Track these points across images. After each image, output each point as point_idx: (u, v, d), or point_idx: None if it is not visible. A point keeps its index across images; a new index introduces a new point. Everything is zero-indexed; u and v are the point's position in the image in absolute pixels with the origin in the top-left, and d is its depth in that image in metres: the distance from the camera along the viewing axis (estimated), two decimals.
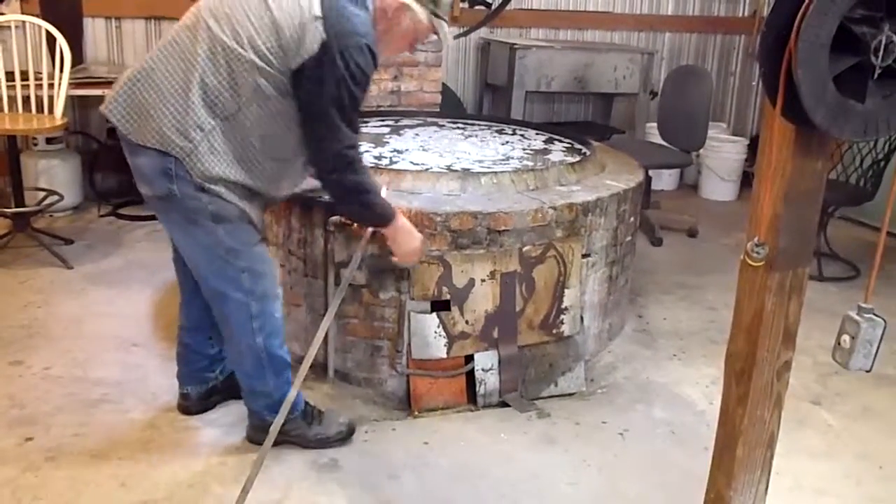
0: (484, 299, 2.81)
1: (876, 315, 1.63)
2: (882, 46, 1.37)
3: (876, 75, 1.40)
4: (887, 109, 1.44)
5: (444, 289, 2.76)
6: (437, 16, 2.26)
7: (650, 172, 4.89)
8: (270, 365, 2.39)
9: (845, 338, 1.63)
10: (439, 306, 2.78)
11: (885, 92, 1.43)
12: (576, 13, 5.80)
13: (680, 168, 5.51)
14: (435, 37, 2.34)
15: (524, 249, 2.82)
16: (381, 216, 2.41)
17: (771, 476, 2.43)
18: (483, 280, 2.79)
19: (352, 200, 2.34)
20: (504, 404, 2.86)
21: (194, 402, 2.66)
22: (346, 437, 2.57)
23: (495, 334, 2.86)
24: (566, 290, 2.96)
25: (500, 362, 2.85)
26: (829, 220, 4.38)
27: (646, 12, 5.98)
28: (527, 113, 5.33)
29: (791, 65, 1.38)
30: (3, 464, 2.37)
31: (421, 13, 2.23)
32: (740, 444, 1.74)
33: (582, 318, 3.03)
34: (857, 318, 1.62)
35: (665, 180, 5.78)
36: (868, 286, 1.67)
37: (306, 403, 2.56)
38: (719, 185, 5.59)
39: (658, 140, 4.99)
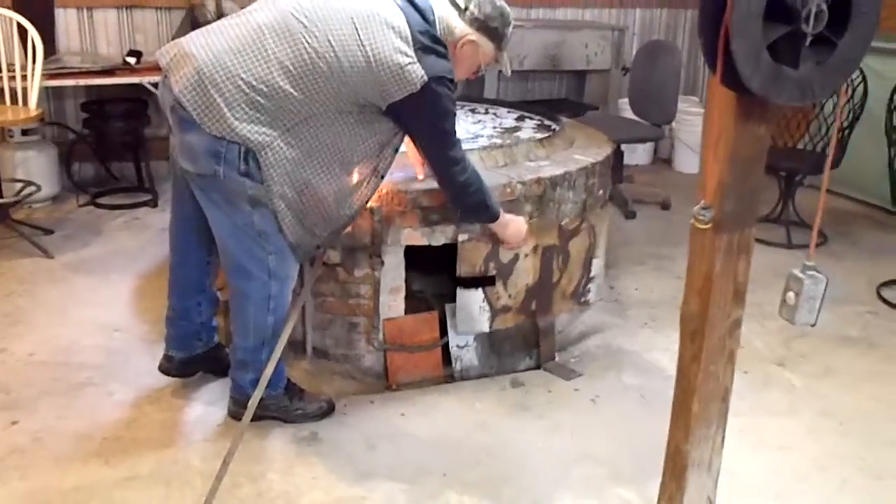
0: (526, 273, 2.92)
1: (818, 272, 1.71)
2: (812, 15, 1.44)
3: (808, 43, 1.47)
4: (821, 75, 1.51)
5: (491, 264, 2.85)
6: (500, 49, 2.48)
7: (623, 147, 4.98)
8: (271, 344, 2.45)
9: (790, 294, 1.72)
10: (483, 282, 2.88)
11: (818, 58, 1.50)
12: None
13: (651, 141, 5.59)
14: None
15: (563, 223, 2.95)
16: (492, 211, 2.62)
17: (732, 432, 2.54)
18: (526, 255, 2.89)
19: (469, 196, 2.52)
20: (483, 376, 2.95)
21: (175, 366, 2.74)
22: (326, 412, 2.64)
23: (533, 306, 2.97)
24: (594, 260, 3.08)
25: (537, 330, 2.99)
26: (797, 188, 4.47)
27: None
28: (501, 92, 5.39)
29: (727, 34, 1.45)
30: None
31: (486, 47, 2.44)
32: (695, 399, 1.82)
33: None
34: (800, 275, 1.71)
35: (639, 154, 5.86)
36: (811, 244, 1.75)
37: (288, 380, 2.63)
38: (692, 158, 5.68)
39: (630, 115, 5.06)
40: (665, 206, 4.88)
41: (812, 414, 2.76)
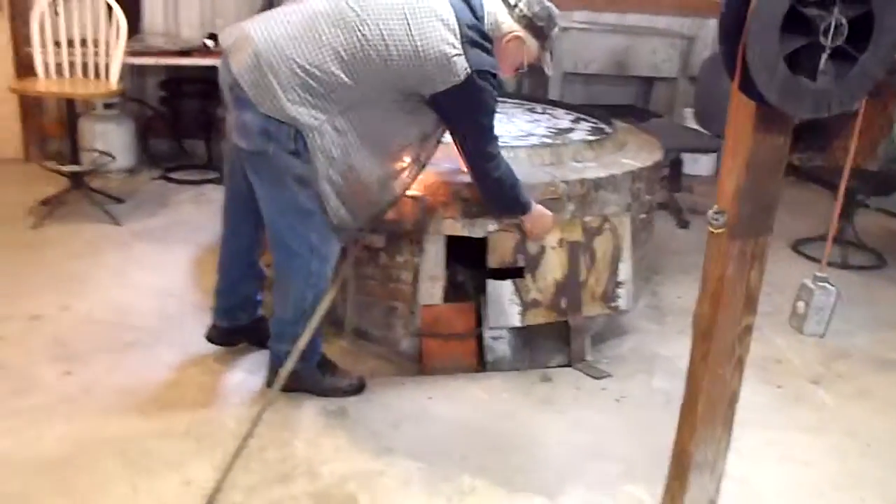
0: (553, 267, 2.97)
1: (830, 284, 1.72)
2: (831, 28, 1.47)
3: (826, 55, 1.49)
4: (839, 88, 1.53)
5: (520, 256, 2.92)
6: (544, 48, 2.56)
7: (683, 156, 4.96)
8: (308, 318, 2.53)
9: (800, 304, 1.73)
10: (512, 273, 2.94)
11: (837, 71, 1.52)
12: None
13: (710, 152, 5.52)
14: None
15: (586, 220, 3.00)
16: (524, 205, 2.71)
17: (758, 444, 2.56)
18: (553, 247, 2.95)
19: (503, 192, 2.62)
20: (514, 369, 3.01)
21: (220, 334, 2.89)
22: (356, 390, 2.75)
23: (563, 304, 3.02)
24: (621, 265, 3.11)
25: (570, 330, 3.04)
26: (858, 209, 4.39)
27: None
28: (566, 94, 5.42)
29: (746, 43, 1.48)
30: (45, 392, 2.62)
31: (532, 45, 2.52)
32: (702, 400, 1.85)
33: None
34: (811, 285, 1.72)
35: (702, 165, 5.81)
36: (825, 253, 1.76)
37: (323, 355, 2.74)
38: None
39: (694, 125, 5.03)
40: (684, 224, 4.83)
41: (839, 433, 2.74)
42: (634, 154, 3.37)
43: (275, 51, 2.30)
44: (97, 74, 4.22)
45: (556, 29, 2.55)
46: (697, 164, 5.74)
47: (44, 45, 4.12)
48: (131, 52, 4.44)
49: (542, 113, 3.98)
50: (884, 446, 2.68)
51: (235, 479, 2.25)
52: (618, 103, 5.94)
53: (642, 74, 5.53)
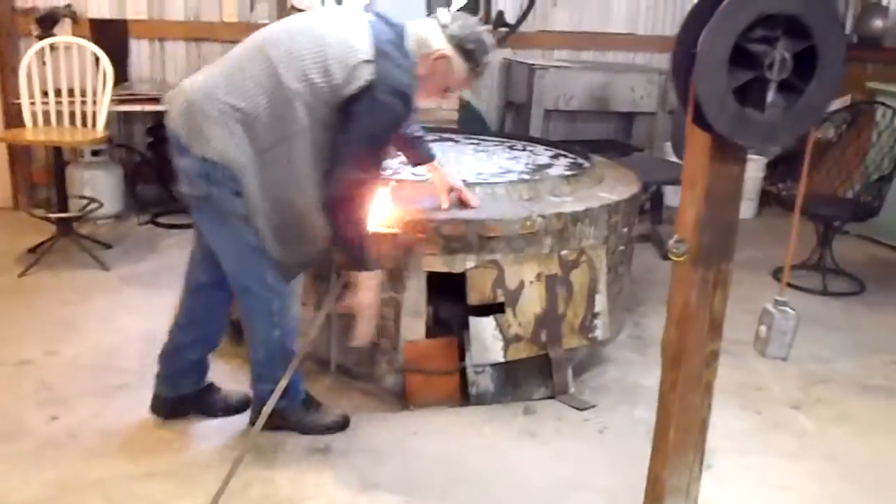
0: (532, 301, 3.01)
1: (790, 308, 1.77)
2: (776, 62, 1.54)
3: (772, 89, 1.56)
4: (786, 119, 1.60)
5: (499, 291, 2.96)
6: (474, 73, 2.48)
7: (664, 189, 5.04)
8: (282, 358, 2.57)
9: (762, 328, 1.79)
10: (493, 309, 2.97)
11: (785, 104, 1.59)
12: (599, 35, 5.97)
13: None
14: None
15: (562, 253, 3.05)
16: (364, 257, 2.52)
17: (737, 469, 2.59)
18: (531, 282, 3.00)
19: (346, 230, 2.45)
20: (497, 402, 3.04)
21: (163, 404, 2.79)
22: (339, 427, 2.76)
23: (543, 337, 3.06)
24: (597, 296, 3.16)
25: (498, 368, 3.03)
26: (835, 235, 4.46)
27: (668, 34, 6.11)
28: (549, 131, 5.52)
29: None
30: (30, 437, 2.64)
31: (460, 67, 2.44)
32: (673, 428, 1.89)
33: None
34: (772, 310, 1.77)
35: None
36: (783, 277, 1.81)
37: (306, 393, 2.77)
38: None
39: (674, 157, 5.12)
40: None
41: (819, 458, 2.77)
42: (611, 188, 3.43)
43: (202, 94, 2.36)
44: (84, 122, 4.30)
45: (489, 56, 2.49)
46: (679, 196, 5.81)
47: (31, 95, 4.20)
48: (118, 100, 4.52)
49: (523, 150, 4.05)
50: (864, 470, 2.71)
51: None
52: (599, 138, 6.04)
53: (622, 110, 5.63)
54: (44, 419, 2.75)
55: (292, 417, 2.71)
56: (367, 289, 2.56)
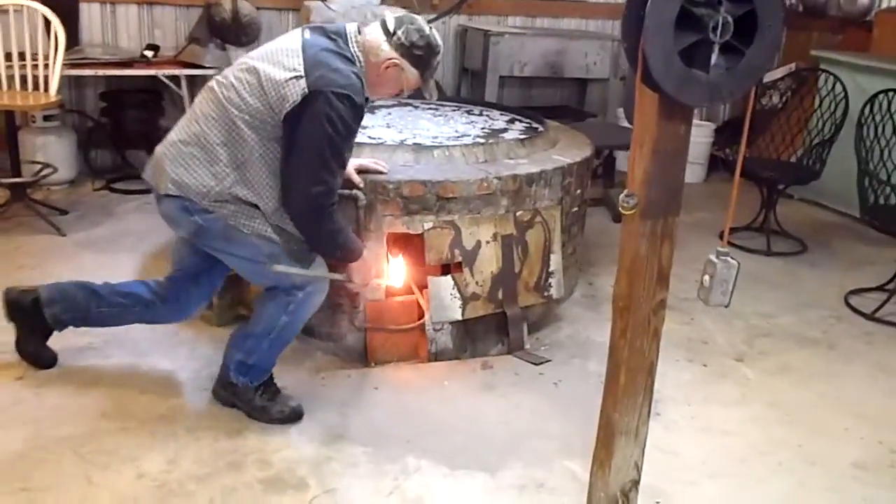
0: (489, 261, 3.11)
1: (731, 258, 1.89)
2: (719, 26, 1.63)
3: (716, 50, 1.66)
4: (729, 79, 1.70)
5: (456, 251, 3.05)
6: (424, 77, 2.54)
7: (616, 153, 5.16)
8: (275, 342, 2.61)
9: (706, 278, 1.90)
10: (451, 269, 3.08)
11: (728, 64, 1.69)
12: (552, 2, 6.04)
13: None
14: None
15: (518, 214, 3.13)
16: (348, 253, 2.62)
17: (683, 418, 2.73)
18: (488, 241, 3.09)
19: (320, 240, 2.53)
20: (456, 359, 3.14)
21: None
22: (286, 419, 2.64)
23: (500, 295, 3.15)
24: (552, 255, 3.26)
25: (462, 324, 3.13)
26: (779, 198, 4.63)
27: (620, 1, 6.21)
28: (503, 97, 5.59)
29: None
30: None
31: (411, 73, 2.50)
32: (623, 371, 2.00)
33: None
34: (715, 260, 1.88)
35: None
36: (725, 230, 1.92)
37: (269, 380, 2.70)
38: (688, 169, 5.83)
39: (625, 123, 5.24)
40: None
41: (761, 405, 2.93)
42: (565, 151, 3.54)
43: (165, 143, 2.54)
44: (36, 86, 4.24)
45: (438, 58, 2.53)
46: None
47: None
48: (70, 64, 4.46)
49: (479, 115, 4.13)
50: (802, 415, 2.88)
51: (189, 468, 2.34)
52: (554, 104, 6.14)
53: (575, 76, 5.72)
54: (9, 379, 2.78)
55: (242, 396, 2.66)
56: (359, 270, 2.70)
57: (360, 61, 2.47)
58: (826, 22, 5.93)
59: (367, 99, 2.53)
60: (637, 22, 1.66)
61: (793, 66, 5.60)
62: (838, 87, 4.49)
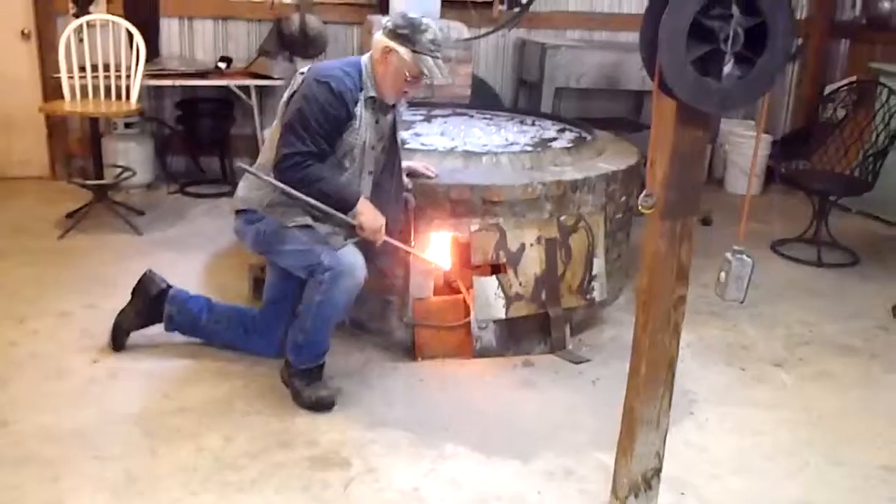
0: (532, 263, 3.25)
1: (746, 256, 1.99)
2: (730, 37, 1.75)
3: (729, 60, 1.78)
4: (741, 88, 1.81)
5: (501, 253, 3.21)
6: (415, 52, 2.71)
7: None
8: (316, 318, 2.78)
9: (721, 274, 2.01)
10: (496, 269, 3.24)
11: (739, 74, 1.81)
12: (610, 15, 6.15)
13: None
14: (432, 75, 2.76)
15: (562, 218, 3.28)
16: (338, 202, 2.75)
17: (715, 417, 2.82)
18: (532, 244, 3.24)
19: (306, 188, 2.72)
20: (499, 356, 3.28)
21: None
22: (313, 406, 2.80)
23: (543, 296, 3.30)
24: (594, 260, 3.39)
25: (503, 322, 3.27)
26: (831, 209, 4.64)
27: None
28: (560, 108, 5.71)
29: None
30: (74, 376, 2.93)
31: (405, 54, 2.72)
32: (644, 363, 2.12)
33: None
34: (730, 258, 1.99)
35: None
36: (741, 228, 2.02)
37: (318, 367, 2.88)
38: (743, 180, 5.86)
39: None
40: (706, 221, 5.09)
41: (794, 409, 2.99)
42: (611, 159, 3.65)
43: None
44: (119, 96, 4.56)
45: (425, 34, 2.72)
46: None
47: (70, 70, 4.47)
48: (150, 75, 4.78)
49: (532, 125, 4.27)
50: (835, 420, 2.93)
51: (242, 445, 2.55)
52: (610, 116, 6.22)
53: (632, 88, 5.81)
54: (86, 362, 3.04)
55: (290, 377, 2.87)
56: (362, 213, 2.78)
57: (366, 68, 2.79)
58: (890, 34, 5.88)
59: (373, 98, 2.79)
60: (653, 34, 1.80)
61: (853, 78, 5.58)
62: (893, 100, 4.48)
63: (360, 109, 2.76)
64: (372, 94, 2.79)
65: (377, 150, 2.89)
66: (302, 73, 2.80)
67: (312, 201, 2.72)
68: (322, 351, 2.88)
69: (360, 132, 2.78)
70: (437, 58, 2.76)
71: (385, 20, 2.82)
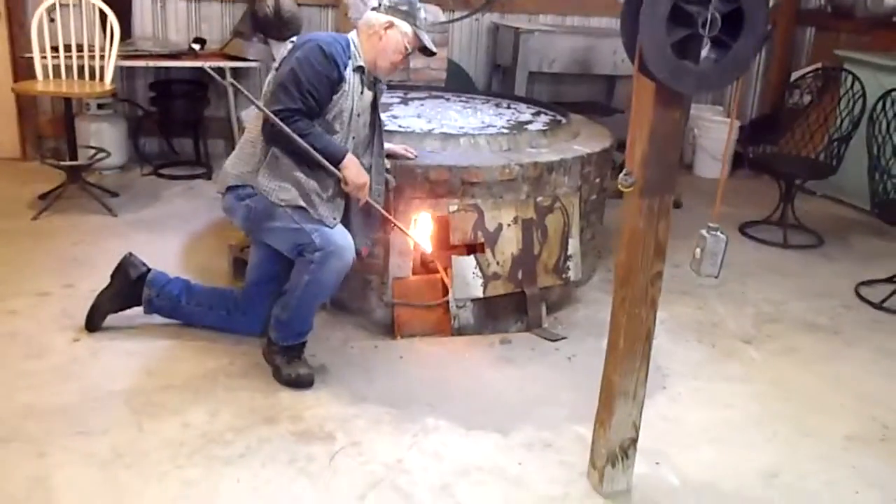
0: (509, 242, 3.31)
1: (721, 233, 2.08)
2: (707, 21, 1.82)
3: (706, 44, 1.85)
4: (717, 70, 1.89)
5: (479, 233, 3.27)
6: (416, 26, 2.87)
7: None
8: (302, 297, 2.81)
9: (697, 250, 2.09)
10: (474, 249, 3.30)
11: (716, 56, 1.88)
12: (582, 0, 6.21)
13: None
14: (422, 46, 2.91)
15: (538, 199, 3.33)
16: (325, 157, 2.76)
17: (688, 391, 2.91)
18: (509, 224, 3.30)
19: (293, 144, 2.73)
20: (477, 334, 3.35)
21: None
22: (292, 383, 2.85)
23: (520, 275, 3.36)
24: (570, 240, 3.46)
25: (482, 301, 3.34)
26: (797, 192, 4.77)
27: None
28: (533, 92, 5.78)
29: None
30: (57, 355, 2.94)
31: (404, 27, 2.85)
32: (622, 337, 2.20)
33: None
34: (705, 234, 2.07)
35: None
36: (715, 208, 2.10)
37: (298, 344, 2.93)
38: (712, 164, 5.99)
39: None
40: (677, 204, 5.18)
41: (763, 383, 3.10)
42: (585, 142, 3.73)
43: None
44: (92, 76, 4.53)
45: (420, 12, 2.90)
46: None
47: (42, 50, 4.43)
48: (123, 56, 4.75)
49: (507, 108, 4.33)
50: (802, 392, 3.04)
51: (228, 420, 2.59)
52: (583, 100, 6.30)
53: (604, 73, 5.88)
54: (67, 341, 3.05)
55: (271, 353, 2.92)
56: (347, 168, 2.80)
57: (353, 43, 2.86)
58: (854, 23, 6.01)
59: (362, 69, 2.85)
60: (634, 17, 1.86)
61: (819, 65, 5.71)
62: (857, 86, 4.61)
63: (349, 74, 2.81)
64: (360, 63, 2.85)
65: (362, 120, 2.93)
66: (292, 43, 2.84)
67: (300, 142, 2.71)
68: (305, 329, 2.92)
69: (350, 96, 2.83)
70: (430, 33, 2.93)
71: (374, 2, 2.90)
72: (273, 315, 2.91)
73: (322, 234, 2.78)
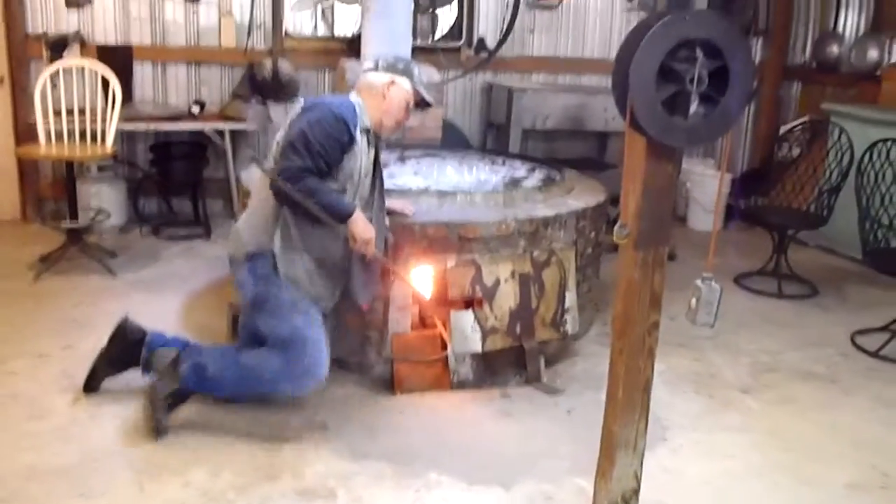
0: (507, 297, 3.35)
1: (714, 282, 2.11)
2: (695, 78, 1.89)
3: (695, 100, 1.91)
4: (706, 125, 1.95)
5: (477, 287, 3.30)
6: (413, 81, 3.01)
7: None
8: (243, 377, 2.85)
9: (692, 300, 2.12)
10: (472, 303, 3.32)
11: (705, 111, 1.94)
12: (574, 60, 6.36)
13: None
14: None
15: (534, 254, 3.38)
16: (333, 214, 2.81)
17: (688, 442, 2.92)
18: (506, 279, 3.33)
19: (302, 199, 2.77)
20: (477, 389, 3.36)
21: None
22: (157, 429, 2.84)
23: (518, 330, 3.38)
24: (567, 293, 3.49)
25: (481, 355, 3.36)
26: (790, 243, 4.82)
27: None
28: (528, 149, 5.87)
29: None
30: (57, 416, 2.95)
31: (404, 83, 2.99)
32: (620, 388, 2.22)
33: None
34: (700, 284, 2.11)
35: None
36: (709, 258, 2.14)
37: (184, 391, 2.94)
38: (704, 217, 6.06)
39: None
40: (671, 256, 5.25)
41: (762, 432, 3.10)
42: (580, 197, 3.79)
43: None
44: (93, 139, 4.61)
45: (415, 71, 3.05)
46: None
47: (45, 114, 4.52)
48: (124, 119, 4.84)
49: (503, 165, 4.41)
50: (801, 442, 3.04)
51: (230, 479, 2.58)
52: (576, 156, 6.40)
53: (596, 129, 5.99)
54: (67, 402, 3.05)
55: (160, 389, 2.90)
56: (355, 223, 2.84)
57: (359, 106, 2.92)
58: (839, 77, 6.17)
59: (368, 130, 2.94)
60: (624, 75, 1.93)
61: (806, 118, 5.84)
62: (844, 138, 4.71)
63: (358, 135, 2.87)
64: (367, 124, 2.93)
65: (367, 179, 3.00)
66: (301, 104, 2.92)
67: (305, 201, 2.75)
68: (221, 395, 2.99)
69: (359, 157, 2.89)
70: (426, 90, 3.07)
71: (370, 64, 3.03)
72: (200, 358, 2.90)
73: (304, 340, 2.80)
